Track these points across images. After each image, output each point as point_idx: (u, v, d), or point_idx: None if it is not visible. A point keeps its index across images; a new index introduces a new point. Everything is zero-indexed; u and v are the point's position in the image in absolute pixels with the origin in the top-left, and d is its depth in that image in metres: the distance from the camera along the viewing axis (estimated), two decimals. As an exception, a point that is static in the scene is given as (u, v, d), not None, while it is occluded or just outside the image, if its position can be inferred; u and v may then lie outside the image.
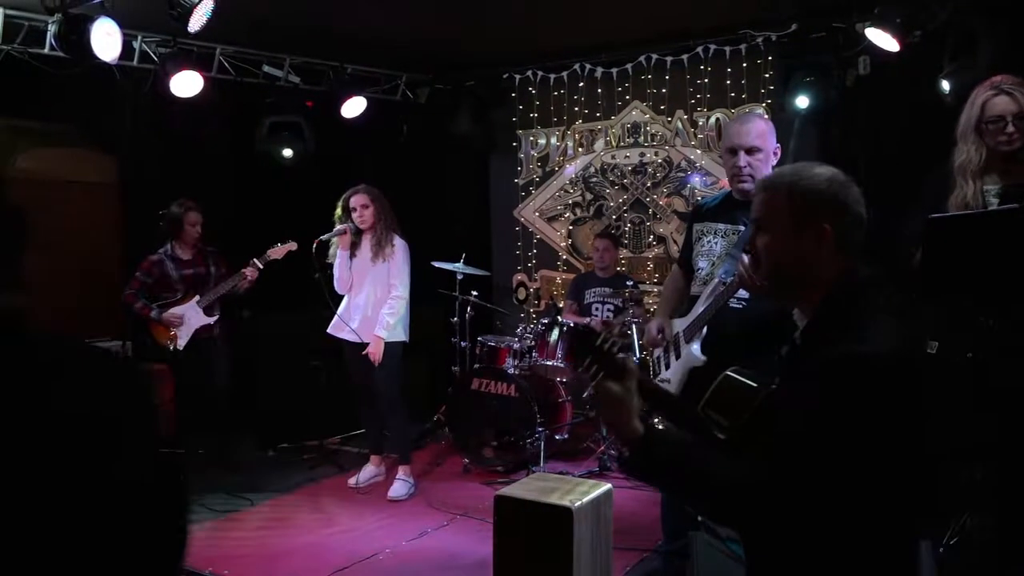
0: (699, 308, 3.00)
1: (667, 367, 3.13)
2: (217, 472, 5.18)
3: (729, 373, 1.78)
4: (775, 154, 2.98)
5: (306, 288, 5.10)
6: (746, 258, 2.68)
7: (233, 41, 5.64)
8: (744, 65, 5.63)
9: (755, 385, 1.70)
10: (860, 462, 1.43)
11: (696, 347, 2.98)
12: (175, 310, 5.14)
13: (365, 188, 4.78)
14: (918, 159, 4.81)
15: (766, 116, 5.21)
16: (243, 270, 5.18)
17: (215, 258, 5.38)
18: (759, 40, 5.49)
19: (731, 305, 2.90)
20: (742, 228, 2.98)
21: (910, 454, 1.51)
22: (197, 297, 5.20)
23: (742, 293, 2.87)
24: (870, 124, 5.21)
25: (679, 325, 3.10)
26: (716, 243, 3.06)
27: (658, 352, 3.21)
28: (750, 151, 2.90)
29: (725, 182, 5.78)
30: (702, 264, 3.08)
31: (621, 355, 1.61)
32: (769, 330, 2.90)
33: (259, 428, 5.85)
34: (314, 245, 4.78)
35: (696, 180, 5.98)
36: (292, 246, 5.17)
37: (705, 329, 2.97)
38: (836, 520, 1.45)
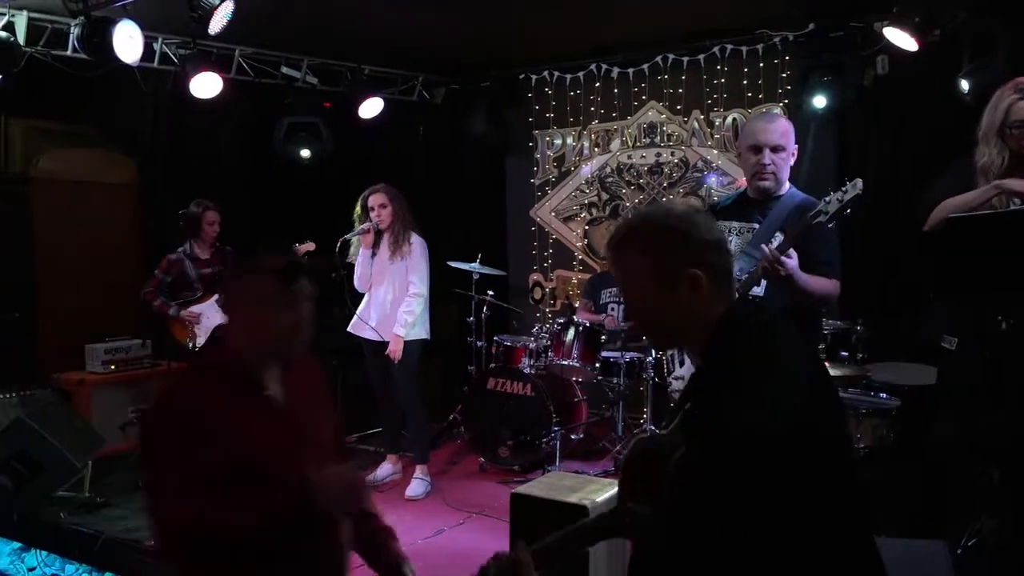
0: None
1: (680, 364, 3.13)
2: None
3: (635, 449, 1.68)
4: (793, 155, 2.98)
5: (324, 287, 5.12)
6: (767, 248, 2.70)
7: (252, 42, 5.68)
8: (761, 65, 5.61)
9: (661, 455, 1.49)
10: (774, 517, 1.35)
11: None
12: (193, 308, 5.19)
13: (383, 188, 4.81)
14: (937, 159, 4.81)
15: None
16: None
17: (232, 257, 5.44)
18: (776, 40, 5.47)
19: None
20: (756, 225, 2.98)
21: (825, 488, 1.40)
22: (215, 296, 5.25)
23: (757, 290, 2.88)
24: (888, 124, 5.19)
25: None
26: (731, 240, 3.05)
27: (672, 350, 3.21)
28: (775, 149, 2.90)
29: (742, 181, 5.78)
30: (717, 262, 3.09)
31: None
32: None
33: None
34: (338, 244, 4.82)
35: (713, 180, 5.97)
36: (310, 246, 5.22)
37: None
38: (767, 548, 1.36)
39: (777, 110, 5.52)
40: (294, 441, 1.78)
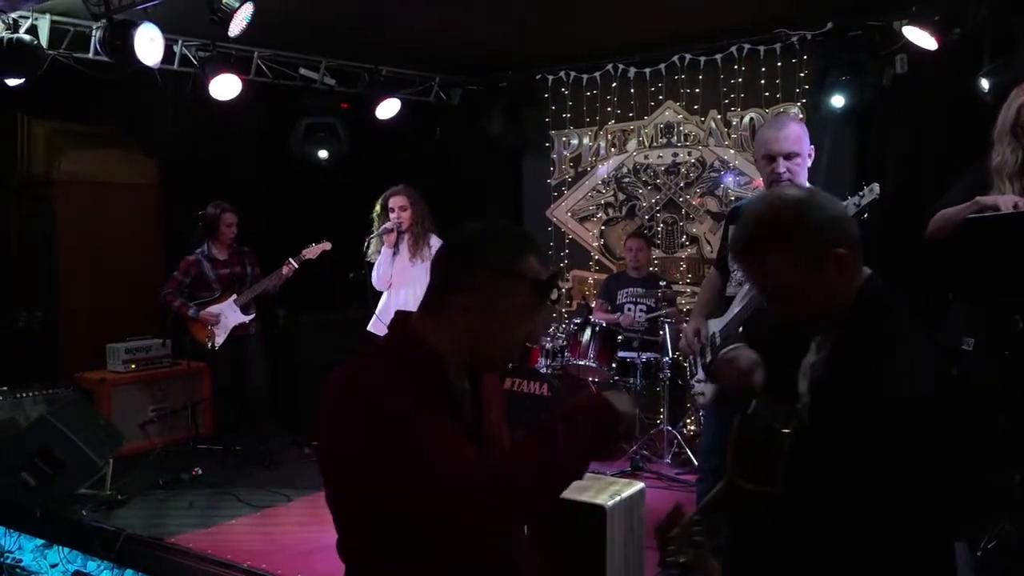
0: (734, 309, 3.00)
1: (703, 368, 3.13)
2: (254, 469, 5.27)
3: (742, 426, 1.60)
4: (809, 156, 2.97)
5: (342, 287, 5.17)
6: None
7: (270, 44, 5.72)
8: (779, 64, 5.59)
9: (774, 430, 1.50)
10: (913, 493, 1.39)
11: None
12: (212, 308, 5.24)
13: (404, 190, 4.83)
14: (957, 159, 4.77)
15: (800, 116, 5.19)
16: (279, 269, 5.27)
17: (250, 258, 5.48)
18: (794, 39, 5.44)
19: (766, 305, 2.89)
20: None
21: (954, 475, 1.46)
22: (234, 296, 5.30)
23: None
24: (908, 123, 5.14)
25: (714, 326, 3.10)
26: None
27: (692, 353, 3.22)
28: (788, 156, 2.89)
29: (759, 181, 5.76)
30: (737, 265, 3.09)
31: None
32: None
33: (295, 426, 5.93)
34: (365, 244, 4.85)
35: (730, 180, 5.95)
36: (326, 246, 5.25)
37: (741, 329, 2.97)
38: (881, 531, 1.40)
39: (795, 110, 5.49)
40: (479, 449, 1.53)
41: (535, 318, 1.60)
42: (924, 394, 1.39)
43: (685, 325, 3.31)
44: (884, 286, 1.58)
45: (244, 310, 5.32)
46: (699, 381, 3.16)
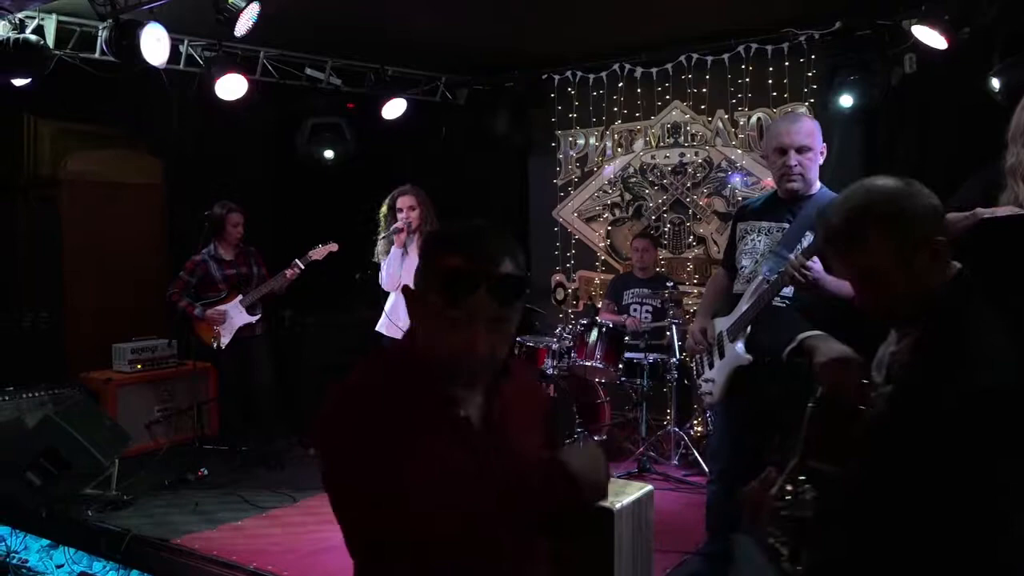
0: (743, 306, 2.98)
1: (711, 367, 3.11)
2: (260, 469, 5.26)
3: (816, 408, 1.65)
4: (821, 153, 2.95)
5: (348, 288, 5.15)
6: (792, 256, 2.67)
7: (276, 44, 5.71)
8: (786, 64, 5.56)
9: (847, 414, 1.56)
10: (998, 483, 1.40)
11: (740, 346, 2.95)
12: (218, 308, 5.23)
13: (412, 189, 4.81)
14: (967, 160, 4.73)
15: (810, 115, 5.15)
16: (285, 270, 5.27)
17: (256, 258, 5.47)
18: (802, 39, 5.41)
19: (775, 303, 2.87)
20: (786, 225, 2.95)
21: None
22: (240, 296, 5.29)
23: (787, 291, 2.85)
24: (917, 124, 5.11)
25: (722, 324, 3.08)
26: (760, 241, 3.03)
27: (699, 353, 3.19)
28: (800, 150, 2.87)
29: (768, 181, 5.74)
30: (745, 262, 3.06)
31: None
32: (815, 328, 2.88)
33: (301, 426, 5.91)
34: (378, 245, 4.83)
35: (736, 180, 5.93)
36: (333, 247, 5.24)
37: (749, 328, 2.94)
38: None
39: (802, 109, 5.46)
40: (482, 474, 1.43)
41: (459, 325, 1.37)
42: (1014, 384, 1.39)
43: (692, 324, 3.28)
44: (975, 280, 1.57)
45: (250, 310, 5.31)
46: (706, 380, 3.13)
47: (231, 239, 5.34)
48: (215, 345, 5.24)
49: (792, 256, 2.68)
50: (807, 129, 2.90)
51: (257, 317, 5.35)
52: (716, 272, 3.41)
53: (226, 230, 5.30)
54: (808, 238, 2.87)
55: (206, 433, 5.58)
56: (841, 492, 1.52)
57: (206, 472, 5.04)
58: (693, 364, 3.28)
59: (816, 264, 2.63)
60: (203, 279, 5.29)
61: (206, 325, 5.24)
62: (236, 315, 5.27)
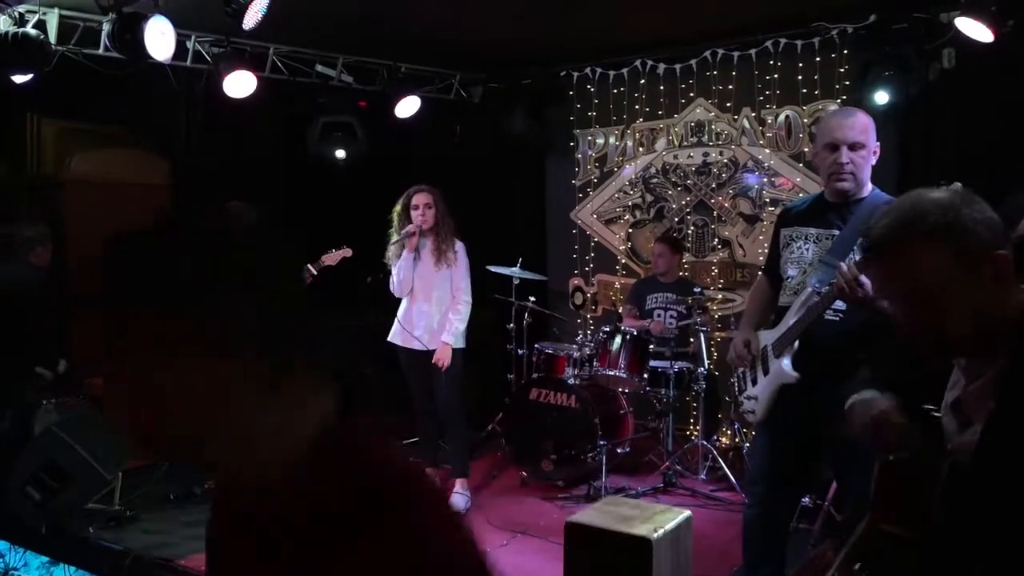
0: (790, 320, 2.75)
1: (753, 383, 2.89)
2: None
3: (886, 468, 1.44)
4: (875, 153, 2.73)
5: (360, 292, 4.96)
6: (844, 266, 2.44)
7: (286, 41, 5.55)
8: (817, 59, 5.33)
9: (929, 471, 1.34)
10: None
11: (787, 362, 2.73)
12: None
13: (428, 188, 4.62)
14: (1008, 160, 4.51)
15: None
16: None
17: None
18: (834, 32, 5.19)
19: (826, 316, 2.65)
20: (835, 232, 2.73)
21: None
22: None
23: (839, 304, 2.62)
24: (955, 122, 4.88)
25: (766, 338, 2.86)
26: (807, 249, 2.80)
27: (742, 367, 2.97)
28: (853, 147, 2.65)
29: (784, 180, 5.52)
30: (791, 272, 2.83)
31: None
32: (869, 344, 2.67)
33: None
34: (388, 247, 4.63)
35: (752, 180, 5.71)
36: (347, 252, 5.04)
37: (797, 343, 2.72)
38: None
39: (833, 107, 5.24)
40: None
41: None
42: None
43: (734, 334, 3.06)
44: None
45: None
46: (748, 398, 2.91)
47: None
48: None
49: (842, 266, 2.45)
50: (862, 124, 2.68)
51: None
52: (758, 280, 3.18)
53: None
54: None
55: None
56: (925, 560, 1.31)
57: (212, 485, 4.83)
58: (734, 379, 3.05)
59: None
60: None
61: None
62: None
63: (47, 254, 4.83)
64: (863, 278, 2.37)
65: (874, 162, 2.73)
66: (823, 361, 2.65)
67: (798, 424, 2.73)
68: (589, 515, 2.84)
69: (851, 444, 2.70)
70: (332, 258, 5.08)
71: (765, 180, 5.65)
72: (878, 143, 2.74)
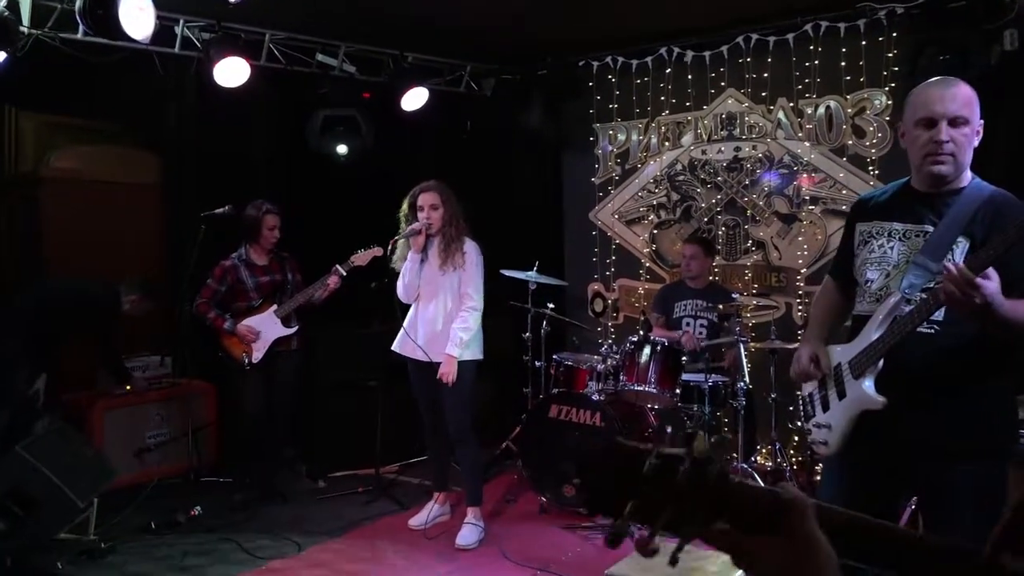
0: (872, 333, 2.28)
1: (824, 408, 2.42)
2: (262, 507, 4.63)
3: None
4: (977, 134, 2.26)
5: (364, 298, 4.57)
6: (952, 266, 1.98)
7: (284, 26, 5.18)
8: (863, 44, 4.88)
9: None
10: None
11: (870, 384, 2.26)
12: (250, 321, 4.64)
13: (436, 185, 4.18)
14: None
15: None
16: (325, 278, 4.67)
17: (291, 264, 4.88)
18: (881, 14, 4.74)
19: (920, 330, 2.18)
20: (929, 228, 2.26)
21: None
22: (275, 306, 4.69)
23: (937, 314, 2.16)
24: (1019, 111, 4.44)
25: (840, 354, 2.39)
26: (892, 248, 2.33)
27: (810, 388, 2.50)
28: (954, 122, 2.19)
29: (803, 179, 5.07)
30: (872, 275, 2.36)
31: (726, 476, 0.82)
32: (972, 364, 2.21)
33: (310, 455, 5.31)
34: (389, 247, 4.20)
35: (772, 178, 5.28)
36: (378, 251, 4.64)
37: (882, 362, 2.25)
38: None
39: (882, 98, 4.79)
40: None
41: None
42: None
43: (799, 349, 2.59)
44: None
45: (285, 322, 4.72)
46: (818, 426, 2.45)
47: (266, 243, 4.75)
48: (246, 361, 4.62)
49: (951, 266, 1.98)
50: (965, 96, 2.22)
51: (294, 329, 4.75)
52: (825, 283, 2.71)
53: (262, 233, 4.71)
54: (962, 245, 2.18)
55: (203, 463, 4.95)
56: None
57: (199, 511, 4.39)
58: (801, 404, 2.59)
59: (991, 281, 1.94)
60: (233, 287, 4.69)
61: (236, 340, 4.63)
62: (270, 327, 4.68)
63: None
64: (980, 280, 1.91)
65: (976, 143, 2.27)
66: (915, 384, 2.19)
67: (880, 458, 2.27)
68: (629, 567, 2.38)
69: (947, 487, 2.26)
70: (362, 258, 4.70)
71: (781, 178, 5.22)
72: (982, 121, 2.28)
